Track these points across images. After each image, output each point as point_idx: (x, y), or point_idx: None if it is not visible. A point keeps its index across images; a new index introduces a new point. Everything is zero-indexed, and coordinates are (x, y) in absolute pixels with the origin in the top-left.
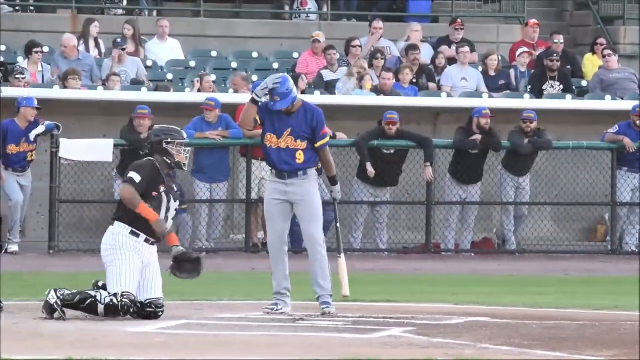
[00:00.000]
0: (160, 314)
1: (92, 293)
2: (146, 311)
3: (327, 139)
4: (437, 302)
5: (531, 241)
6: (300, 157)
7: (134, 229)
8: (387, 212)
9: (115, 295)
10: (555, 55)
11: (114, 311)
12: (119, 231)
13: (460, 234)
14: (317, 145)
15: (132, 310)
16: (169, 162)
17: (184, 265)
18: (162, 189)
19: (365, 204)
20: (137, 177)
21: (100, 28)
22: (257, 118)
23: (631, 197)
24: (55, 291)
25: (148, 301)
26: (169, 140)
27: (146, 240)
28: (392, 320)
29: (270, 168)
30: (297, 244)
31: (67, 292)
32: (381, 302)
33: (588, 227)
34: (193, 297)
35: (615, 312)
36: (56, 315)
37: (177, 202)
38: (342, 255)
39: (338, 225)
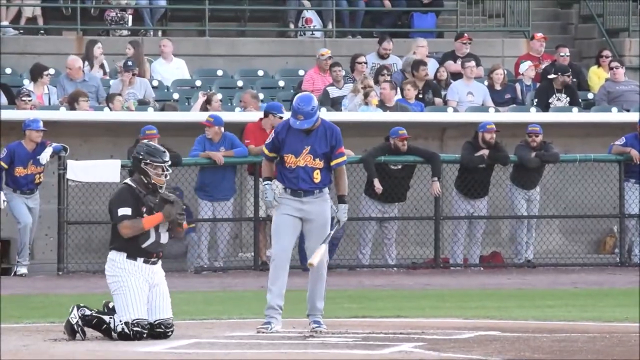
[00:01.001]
0: (169, 334)
1: (107, 319)
2: (156, 331)
3: (344, 157)
4: (447, 316)
5: (540, 254)
6: (317, 176)
7: (129, 254)
8: (395, 227)
9: (127, 324)
10: (569, 72)
11: (126, 338)
12: (115, 258)
13: (469, 248)
14: (333, 163)
15: (144, 335)
16: (146, 182)
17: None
18: (143, 210)
19: (373, 219)
20: (127, 211)
21: (105, 49)
22: (268, 153)
23: (639, 208)
24: (78, 309)
25: (158, 322)
26: (149, 161)
27: (145, 262)
28: (402, 335)
29: (282, 185)
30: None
31: (87, 311)
32: (391, 318)
33: (597, 240)
34: (203, 316)
35: (625, 324)
36: (77, 337)
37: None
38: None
39: (331, 232)
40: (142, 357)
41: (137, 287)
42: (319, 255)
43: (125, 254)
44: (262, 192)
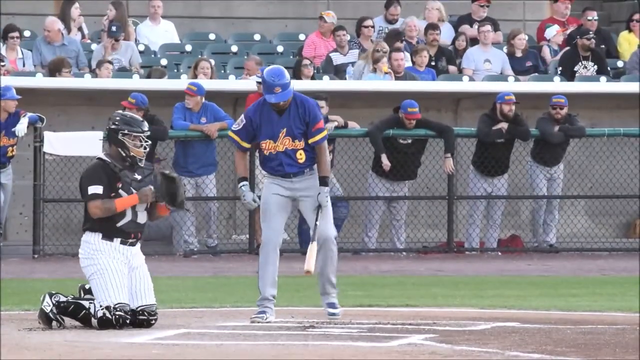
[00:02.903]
0: (153, 322)
1: (86, 304)
2: (138, 319)
3: (323, 133)
4: (461, 306)
5: (564, 238)
6: (301, 156)
7: (104, 234)
8: (404, 208)
9: (107, 308)
10: (590, 33)
11: (108, 325)
12: (89, 239)
13: (486, 231)
14: (311, 141)
15: (127, 321)
16: (124, 154)
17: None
18: (119, 186)
19: (381, 199)
20: (98, 189)
21: (84, 10)
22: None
23: None
24: (51, 297)
25: (140, 308)
26: (126, 131)
27: (123, 243)
28: (411, 326)
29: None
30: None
31: (62, 298)
32: (399, 307)
33: (626, 222)
34: (193, 303)
35: None
36: (54, 324)
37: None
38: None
39: (317, 222)
40: (126, 348)
41: (116, 269)
42: (312, 258)
43: (101, 235)
44: (241, 195)
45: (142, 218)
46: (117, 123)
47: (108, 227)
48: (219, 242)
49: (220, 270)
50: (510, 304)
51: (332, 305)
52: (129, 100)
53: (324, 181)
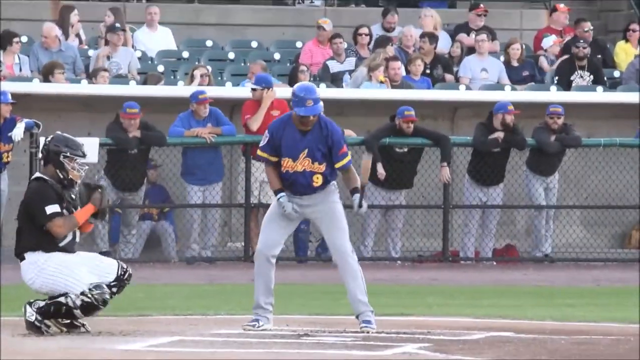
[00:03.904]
0: (128, 279)
1: (63, 300)
2: (121, 284)
3: (348, 158)
4: (456, 315)
5: (559, 248)
6: (317, 180)
7: (46, 251)
8: (400, 217)
9: (83, 293)
10: (582, 41)
11: (91, 308)
12: (34, 259)
13: (481, 240)
14: (337, 166)
15: (108, 297)
16: (61, 177)
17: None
18: (63, 205)
19: (377, 208)
20: (56, 208)
21: (81, 16)
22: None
23: None
24: (30, 305)
25: (112, 283)
26: (68, 154)
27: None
28: (405, 335)
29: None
30: (302, 252)
31: (41, 303)
32: (394, 316)
33: (621, 233)
34: (187, 311)
35: None
36: (44, 330)
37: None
38: None
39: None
40: (120, 356)
41: (70, 260)
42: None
43: (42, 251)
44: (280, 207)
45: (78, 237)
46: (58, 145)
47: (49, 248)
48: (214, 250)
49: (216, 278)
50: (505, 314)
51: (367, 322)
52: (130, 110)
53: (355, 190)
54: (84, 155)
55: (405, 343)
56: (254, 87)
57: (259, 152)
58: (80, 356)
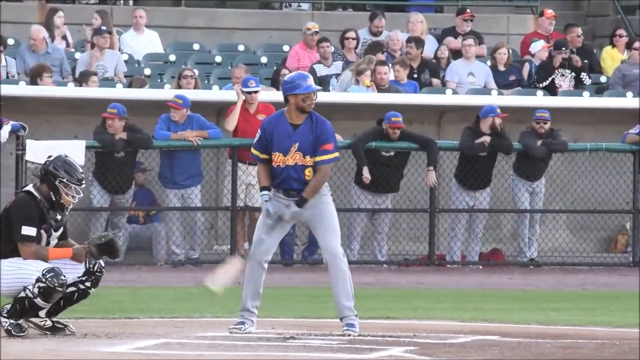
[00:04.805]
0: (100, 271)
1: (24, 294)
2: (95, 276)
3: (330, 156)
4: (442, 318)
5: (545, 252)
6: (309, 174)
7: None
8: (387, 220)
9: (38, 279)
10: (564, 48)
11: (49, 292)
12: (6, 267)
13: (467, 244)
14: (316, 159)
15: (64, 279)
16: (54, 199)
17: (102, 251)
18: (43, 227)
19: (364, 211)
20: (32, 231)
21: (69, 18)
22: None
23: None
24: (1, 313)
25: (80, 278)
26: (65, 180)
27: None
28: (391, 339)
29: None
30: (287, 256)
31: (7, 307)
32: (380, 319)
33: (607, 237)
34: (173, 313)
35: (637, 330)
36: (22, 332)
37: (59, 232)
38: (239, 259)
39: (263, 237)
40: (106, 358)
41: (26, 261)
42: (225, 276)
43: (13, 259)
44: (261, 205)
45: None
46: (57, 169)
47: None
48: (200, 253)
49: (201, 281)
50: (490, 318)
51: (350, 325)
52: (110, 111)
53: (301, 200)
54: (80, 184)
55: (391, 346)
56: (255, 89)
57: (252, 151)
58: (65, 358)
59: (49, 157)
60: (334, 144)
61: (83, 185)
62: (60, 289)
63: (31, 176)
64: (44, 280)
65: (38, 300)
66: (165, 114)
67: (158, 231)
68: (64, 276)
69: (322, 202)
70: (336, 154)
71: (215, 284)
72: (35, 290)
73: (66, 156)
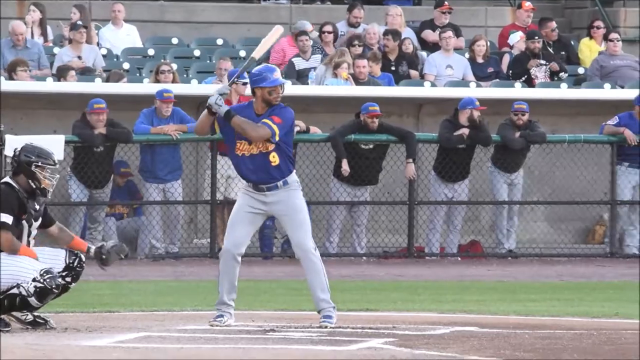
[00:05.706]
0: (80, 265)
1: (16, 291)
2: (75, 272)
3: (273, 127)
4: (421, 310)
5: (523, 244)
6: (274, 159)
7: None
8: (365, 213)
9: (35, 279)
10: (537, 37)
11: (46, 293)
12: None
13: (446, 236)
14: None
15: (60, 281)
16: (34, 186)
17: (110, 256)
18: (23, 217)
19: (342, 204)
20: (8, 219)
21: (48, 13)
22: (216, 125)
23: (632, 195)
24: None
25: (62, 274)
26: (40, 163)
27: None
28: (371, 330)
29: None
30: (267, 249)
31: None
32: (359, 311)
33: (585, 228)
34: (153, 307)
35: (614, 320)
36: (6, 330)
37: (39, 222)
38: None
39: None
40: (86, 351)
41: (19, 256)
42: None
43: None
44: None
45: (32, 244)
46: (29, 155)
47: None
48: (180, 247)
49: (181, 275)
50: (469, 309)
51: (327, 317)
52: (98, 106)
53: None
54: (55, 164)
55: (371, 338)
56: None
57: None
58: (46, 352)
59: (15, 149)
60: (282, 122)
61: (57, 166)
62: (56, 291)
63: (9, 172)
64: (41, 280)
65: (32, 300)
66: (147, 109)
67: (145, 225)
68: (60, 279)
69: (293, 197)
70: (277, 131)
71: (259, 51)
72: (31, 290)
73: (34, 143)
